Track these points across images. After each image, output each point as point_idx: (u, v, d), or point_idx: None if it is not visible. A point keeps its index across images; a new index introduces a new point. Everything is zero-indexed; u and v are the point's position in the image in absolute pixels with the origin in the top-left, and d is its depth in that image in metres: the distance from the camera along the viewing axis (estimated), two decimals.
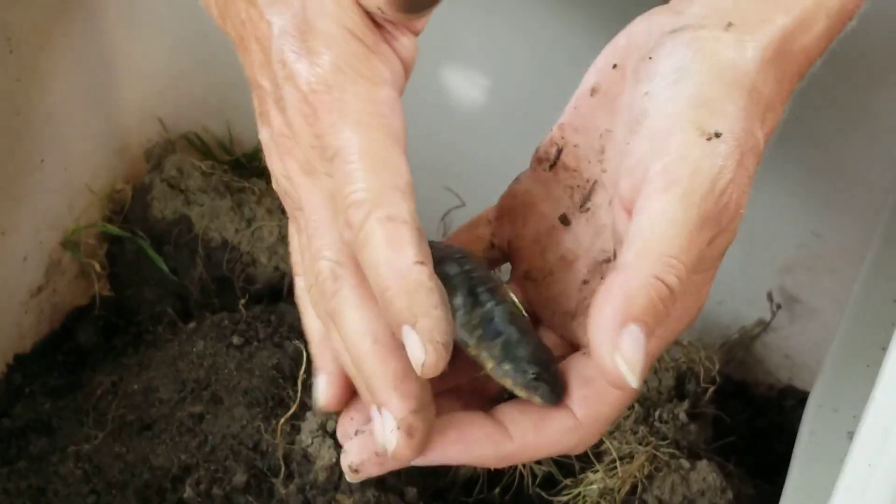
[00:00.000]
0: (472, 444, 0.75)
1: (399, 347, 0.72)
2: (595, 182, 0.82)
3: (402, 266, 0.71)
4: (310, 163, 0.77)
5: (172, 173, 1.42)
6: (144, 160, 1.46)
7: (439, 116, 1.38)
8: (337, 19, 0.76)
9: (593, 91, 0.82)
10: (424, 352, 0.70)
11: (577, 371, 0.77)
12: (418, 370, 0.71)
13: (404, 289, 0.70)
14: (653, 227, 0.70)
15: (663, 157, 0.71)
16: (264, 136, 0.81)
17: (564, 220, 0.83)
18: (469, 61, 1.36)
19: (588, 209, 0.82)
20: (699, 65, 0.74)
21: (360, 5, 0.76)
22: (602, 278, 0.79)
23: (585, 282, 0.81)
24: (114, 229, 1.41)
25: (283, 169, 0.80)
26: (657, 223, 0.70)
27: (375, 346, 0.74)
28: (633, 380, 0.68)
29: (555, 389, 0.75)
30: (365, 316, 0.75)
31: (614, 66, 0.81)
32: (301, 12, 0.76)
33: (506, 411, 0.77)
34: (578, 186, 0.82)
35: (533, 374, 0.75)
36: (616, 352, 0.67)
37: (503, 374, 0.76)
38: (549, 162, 0.83)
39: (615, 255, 0.78)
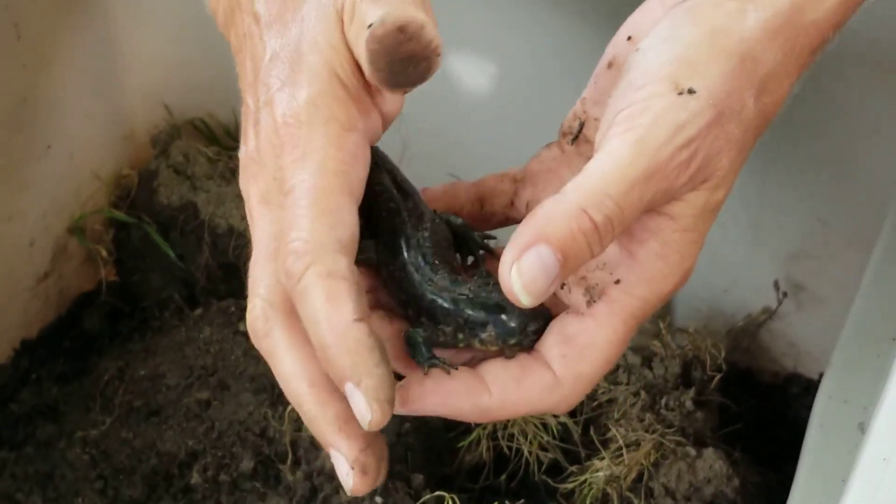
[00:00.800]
0: (450, 395, 0.75)
1: (336, 390, 0.72)
2: None
3: (341, 323, 0.70)
4: (269, 193, 0.77)
5: (178, 159, 1.42)
6: (150, 146, 1.46)
7: (445, 104, 1.37)
8: (326, 58, 0.75)
9: (610, 64, 0.82)
10: (370, 410, 0.70)
11: (560, 329, 0.76)
12: (364, 426, 0.70)
13: (345, 348, 0.70)
14: (598, 164, 0.70)
15: (631, 104, 0.72)
16: (241, 153, 0.81)
17: None
18: (475, 49, 1.36)
19: None
20: (691, 28, 0.74)
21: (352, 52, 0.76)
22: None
23: None
24: (120, 215, 1.41)
25: (246, 192, 0.80)
26: (604, 161, 0.70)
27: (312, 390, 0.74)
28: (525, 297, 0.68)
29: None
30: (298, 358, 0.74)
31: (629, 38, 0.81)
32: (295, 42, 0.76)
33: (488, 367, 0.77)
34: None
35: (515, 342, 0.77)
36: (515, 264, 0.68)
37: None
38: (572, 135, 0.84)
39: None
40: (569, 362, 0.75)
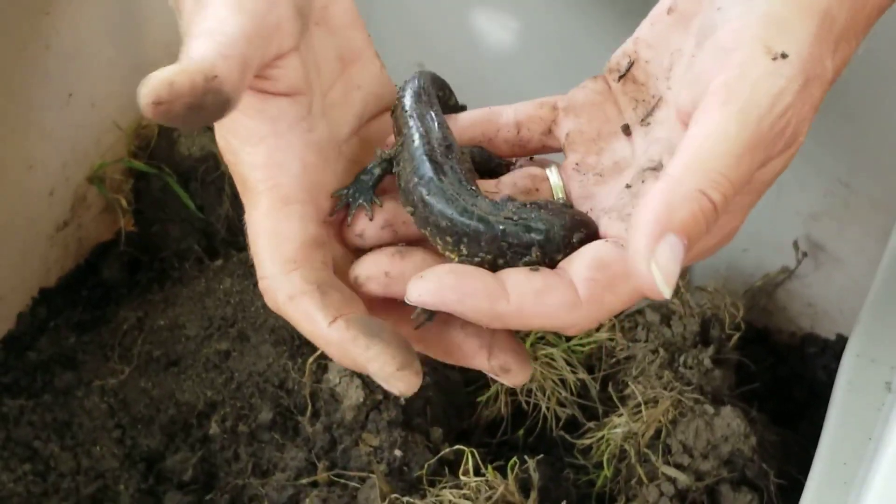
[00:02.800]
0: (469, 294, 0.73)
1: None
2: (660, 99, 0.82)
3: (322, 335, 0.75)
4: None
5: None
6: None
7: (466, 60, 1.37)
8: None
9: (670, 10, 0.81)
10: (393, 387, 0.74)
11: (594, 254, 0.75)
12: (406, 393, 0.75)
13: (338, 352, 0.75)
14: (705, 140, 0.69)
15: (725, 71, 0.71)
16: None
17: (626, 130, 0.83)
18: (497, 5, 1.36)
19: (649, 124, 0.82)
20: None
21: None
22: (643, 182, 0.79)
23: (628, 185, 0.81)
24: (140, 165, 1.41)
25: None
26: (709, 137, 0.69)
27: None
28: (666, 290, 0.67)
29: None
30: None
31: None
32: None
33: (511, 274, 0.75)
34: (643, 101, 0.82)
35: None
36: (652, 259, 0.67)
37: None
38: (620, 73, 0.83)
39: (662, 165, 0.78)
40: (595, 286, 0.74)
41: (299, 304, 0.75)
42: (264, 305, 1.26)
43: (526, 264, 0.75)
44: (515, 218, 0.76)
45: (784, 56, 0.70)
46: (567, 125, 0.84)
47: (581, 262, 0.75)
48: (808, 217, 1.32)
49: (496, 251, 0.76)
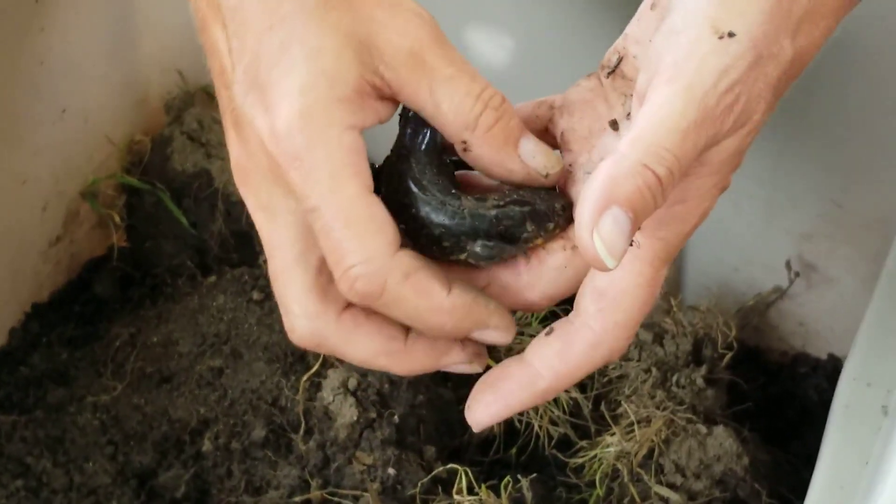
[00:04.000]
0: (510, 397, 0.79)
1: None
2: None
3: (443, 305, 0.76)
4: (270, 201, 0.78)
5: (193, 126, 1.42)
6: (164, 112, 1.46)
7: None
8: (315, 60, 0.76)
9: (653, 5, 0.82)
10: (505, 335, 0.79)
11: (592, 286, 0.78)
12: (502, 343, 0.79)
13: (460, 317, 0.76)
14: (650, 116, 0.71)
15: (674, 51, 0.72)
16: (231, 155, 0.82)
17: (614, 126, 0.83)
18: (493, 22, 1.36)
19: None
20: None
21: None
22: None
23: None
24: (133, 181, 1.41)
25: (243, 195, 0.80)
26: (655, 113, 0.70)
27: (390, 359, 0.80)
28: (610, 261, 0.69)
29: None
30: (362, 348, 0.79)
31: None
32: (279, 43, 0.76)
33: (532, 350, 0.79)
34: (630, 95, 0.83)
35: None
36: (595, 231, 0.68)
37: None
38: (609, 69, 0.84)
39: None
40: (605, 314, 0.77)
41: (417, 280, 0.75)
42: (258, 322, 1.27)
43: (525, 241, 0.79)
44: (501, 203, 0.78)
45: (731, 35, 0.71)
46: (561, 124, 0.85)
47: (587, 299, 0.78)
48: (801, 237, 1.32)
49: (496, 236, 0.78)
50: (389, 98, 0.78)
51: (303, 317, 0.78)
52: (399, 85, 0.77)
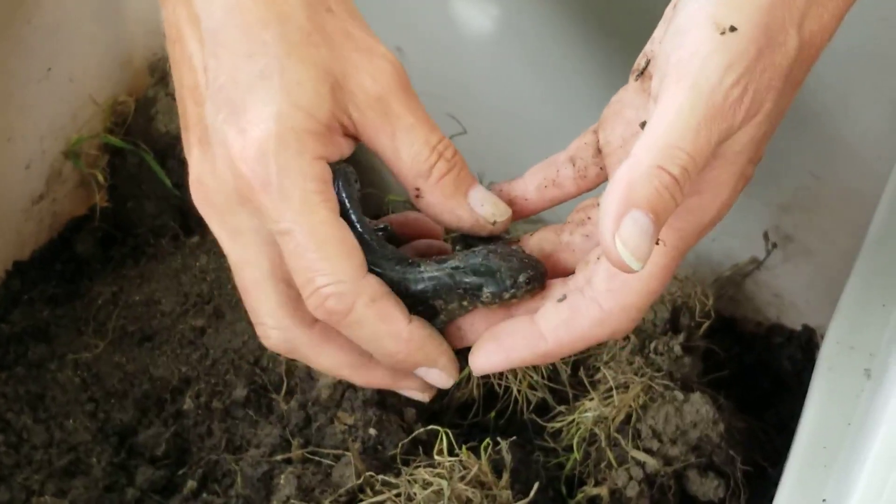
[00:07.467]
0: (511, 350, 0.83)
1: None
2: None
3: (401, 333, 0.82)
4: (235, 223, 0.82)
5: None
6: (148, 74, 1.46)
7: (446, 44, 1.38)
8: (289, 92, 0.80)
9: (675, 6, 0.83)
10: (448, 379, 0.87)
11: (608, 266, 0.80)
12: (444, 386, 0.87)
13: (414, 348, 0.83)
14: (661, 118, 0.72)
15: (679, 50, 0.74)
16: (191, 172, 0.84)
17: (643, 127, 0.84)
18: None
19: None
20: None
21: None
22: None
23: None
24: (116, 141, 1.41)
25: (205, 214, 0.84)
26: (665, 114, 0.72)
27: (354, 371, 0.87)
28: (634, 263, 0.71)
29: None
30: (331, 358, 0.86)
31: None
32: (259, 70, 0.79)
33: (543, 312, 0.83)
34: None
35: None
36: (617, 235, 0.70)
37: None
38: (638, 72, 0.85)
39: None
40: (615, 296, 0.80)
41: (382, 305, 0.81)
42: None
43: (483, 304, 0.84)
44: (463, 266, 0.84)
45: (733, 29, 0.73)
46: (599, 142, 0.87)
47: (601, 276, 0.80)
48: (778, 208, 1.33)
49: (457, 297, 0.84)
50: (353, 136, 0.82)
51: (277, 328, 0.84)
52: (364, 126, 0.82)
